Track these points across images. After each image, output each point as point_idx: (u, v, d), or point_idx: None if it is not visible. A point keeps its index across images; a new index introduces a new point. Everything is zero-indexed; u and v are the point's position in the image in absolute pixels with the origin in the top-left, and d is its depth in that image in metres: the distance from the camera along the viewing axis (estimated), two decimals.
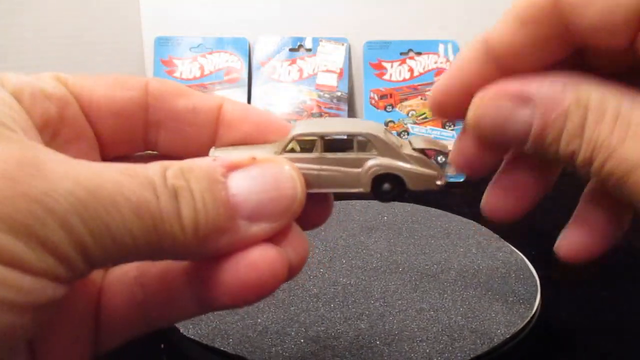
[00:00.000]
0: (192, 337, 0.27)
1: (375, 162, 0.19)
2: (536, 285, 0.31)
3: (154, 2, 0.70)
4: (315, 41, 0.70)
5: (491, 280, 0.31)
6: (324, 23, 0.70)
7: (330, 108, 0.68)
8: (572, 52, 0.17)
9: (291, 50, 0.70)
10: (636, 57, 0.15)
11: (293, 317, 0.28)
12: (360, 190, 0.19)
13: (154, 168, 0.15)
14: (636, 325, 0.33)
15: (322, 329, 0.27)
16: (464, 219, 0.41)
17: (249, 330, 0.27)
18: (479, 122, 0.17)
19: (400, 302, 0.29)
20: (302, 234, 0.18)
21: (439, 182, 0.19)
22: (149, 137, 0.20)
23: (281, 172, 0.16)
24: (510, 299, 0.29)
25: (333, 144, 0.19)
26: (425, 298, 0.30)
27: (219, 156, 0.17)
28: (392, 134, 0.20)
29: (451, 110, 0.18)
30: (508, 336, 0.26)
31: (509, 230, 0.41)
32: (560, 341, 0.31)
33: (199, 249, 0.15)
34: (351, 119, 0.24)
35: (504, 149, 0.18)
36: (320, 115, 0.68)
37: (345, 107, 0.69)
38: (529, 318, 0.27)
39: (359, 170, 0.19)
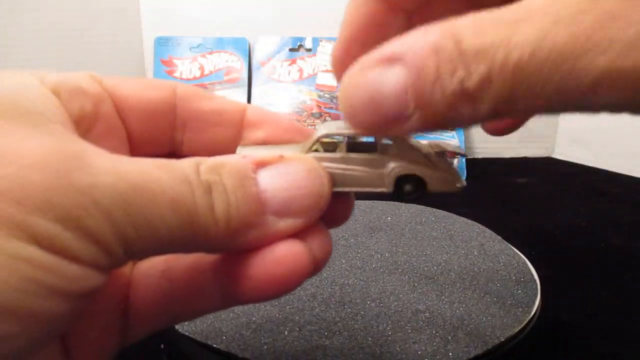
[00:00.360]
0: (186, 333, 0.27)
1: (397, 163, 0.19)
2: (536, 288, 0.30)
3: (154, 2, 0.70)
4: (315, 41, 0.70)
5: (490, 283, 0.31)
6: (324, 23, 0.70)
7: (330, 108, 0.68)
8: None
9: (291, 50, 0.70)
10: None
11: (288, 316, 0.28)
12: (384, 190, 0.19)
13: (188, 163, 0.15)
14: (636, 326, 0.33)
15: (316, 328, 0.27)
16: (469, 221, 0.41)
17: (242, 328, 0.27)
18: (353, 97, 0.15)
19: (396, 303, 0.29)
20: (326, 231, 0.18)
21: (458, 185, 0.19)
22: (175, 137, 0.20)
23: (309, 169, 0.17)
24: (509, 302, 0.29)
25: (357, 145, 0.19)
26: (422, 299, 0.30)
27: (248, 154, 0.17)
28: (412, 136, 0.20)
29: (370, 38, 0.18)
30: (502, 339, 0.26)
31: (509, 230, 0.41)
32: (560, 342, 0.31)
33: (229, 243, 0.15)
34: None
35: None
36: (321, 116, 0.68)
37: None
38: (525, 322, 0.27)
39: (382, 170, 0.19)
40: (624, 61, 0.12)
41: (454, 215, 0.42)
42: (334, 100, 0.69)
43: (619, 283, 0.39)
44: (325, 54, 0.70)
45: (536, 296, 0.29)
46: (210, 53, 0.70)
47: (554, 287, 0.38)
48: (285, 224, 0.16)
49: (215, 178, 0.15)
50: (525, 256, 0.36)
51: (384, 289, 0.31)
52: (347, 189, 0.19)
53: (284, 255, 0.16)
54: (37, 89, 0.16)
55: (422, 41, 0.14)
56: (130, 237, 0.14)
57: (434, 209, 0.43)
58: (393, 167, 0.19)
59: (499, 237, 0.38)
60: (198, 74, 0.70)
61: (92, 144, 0.15)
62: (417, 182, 0.19)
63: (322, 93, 0.69)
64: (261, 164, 0.16)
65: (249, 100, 0.69)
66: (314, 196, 0.16)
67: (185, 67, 0.70)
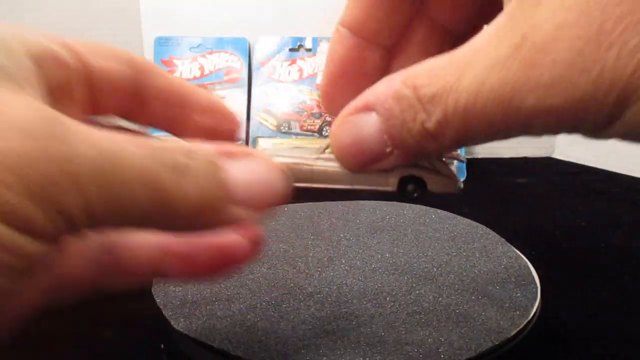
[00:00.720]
0: (181, 330, 0.27)
1: (404, 166, 0.20)
2: (536, 292, 0.30)
3: (154, 2, 0.70)
4: (315, 41, 0.70)
5: (490, 286, 0.31)
6: (324, 23, 0.70)
7: None
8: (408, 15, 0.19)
9: (291, 50, 0.70)
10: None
11: (283, 315, 0.28)
12: (388, 189, 0.21)
13: (165, 145, 0.15)
14: (637, 326, 0.33)
15: (309, 327, 0.27)
16: (473, 222, 0.41)
17: (237, 326, 0.27)
18: (339, 144, 0.18)
19: (392, 304, 0.29)
20: (261, 230, 0.20)
21: (456, 187, 0.21)
22: (134, 112, 0.21)
23: (269, 167, 0.18)
24: (507, 305, 0.29)
25: None
26: (418, 301, 0.30)
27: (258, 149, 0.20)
28: None
29: (342, 99, 0.20)
30: (496, 343, 0.26)
31: (509, 230, 0.41)
32: (560, 342, 0.31)
33: (192, 224, 0.16)
34: None
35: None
36: (321, 116, 0.68)
37: None
38: (521, 326, 0.27)
39: (388, 173, 0.20)
40: (545, 100, 0.14)
41: (458, 217, 0.42)
42: None
43: (619, 283, 0.39)
44: (325, 54, 0.70)
45: (535, 300, 0.29)
46: (210, 53, 0.70)
47: (554, 287, 0.38)
48: (241, 212, 0.17)
49: (189, 162, 0.15)
50: (525, 256, 0.36)
51: (381, 290, 0.31)
52: (358, 188, 0.21)
53: (231, 243, 0.18)
54: (19, 53, 0.16)
55: (386, 91, 0.16)
56: (99, 212, 0.14)
57: (438, 210, 0.43)
58: (400, 169, 0.20)
59: (503, 239, 0.38)
60: (198, 74, 0.70)
61: (69, 117, 0.14)
62: (419, 183, 0.21)
63: None
64: (230, 155, 0.17)
65: (249, 100, 0.69)
66: (271, 192, 0.17)
67: (185, 67, 0.70)
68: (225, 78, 0.70)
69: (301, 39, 0.70)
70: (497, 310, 0.28)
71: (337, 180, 0.21)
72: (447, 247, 0.37)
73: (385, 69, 0.21)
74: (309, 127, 0.68)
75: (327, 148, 0.21)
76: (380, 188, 0.21)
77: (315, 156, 0.22)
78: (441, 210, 0.43)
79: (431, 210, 0.43)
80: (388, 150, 0.17)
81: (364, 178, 0.21)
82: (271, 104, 0.69)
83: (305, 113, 0.68)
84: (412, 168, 0.21)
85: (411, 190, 0.21)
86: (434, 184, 0.21)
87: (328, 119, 0.68)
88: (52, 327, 0.33)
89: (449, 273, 0.33)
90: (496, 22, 0.15)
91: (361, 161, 0.18)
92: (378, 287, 0.31)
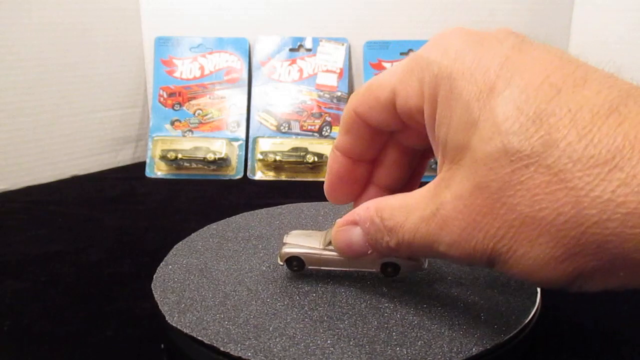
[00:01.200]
0: (175, 324, 0.28)
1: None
2: (535, 299, 0.30)
3: (154, 2, 0.70)
4: (315, 41, 0.70)
5: (489, 290, 0.31)
6: (324, 23, 0.70)
7: (330, 108, 0.68)
8: (383, 141, 0.29)
9: (291, 50, 0.70)
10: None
11: (276, 313, 0.29)
12: (374, 270, 0.31)
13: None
14: (636, 326, 0.33)
15: (300, 326, 0.27)
16: None
17: (229, 323, 0.28)
18: (338, 245, 0.28)
19: (387, 305, 0.29)
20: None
21: (425, 267, 0.31)
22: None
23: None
24: (503, 309, 0.29)
25: None
26: (413, 303, 0.30)
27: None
28: None
29: (342, 197, 0.31)
30: (489, 347, 0.26)
31: None
32: (559, 342, 0.31)
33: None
34: None
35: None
36: (321, 116, 0.68)
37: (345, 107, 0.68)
38: (514, 332, 0.27)
39: (373, 259, 0.30)
40: (448, 251, 0.22)
41: None
42: (334, 100, 0.69)
43: None
44: (325, 54, 0.70)
45: (532, 307, 0.29)
46: (210, 53, 0.70)
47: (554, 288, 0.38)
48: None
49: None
50: None
51: (376, 291, 0.31)
52: (352, 269, 0.32)
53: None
54: None
55: (365, 215, 0.26)
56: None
57: None
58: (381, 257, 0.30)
59: None
60: (198, 74, 0.70)
61: None
62: (395, 266, 0.31)
63: (322, 93, 0.69)
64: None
65: (249, 100, 0.69)
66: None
67: (185, 67, 0.70)
68: (225, 78, 0.70)
69: (301, 39, 0.70)
70: (492, 315, 0.28)
71: (339, 264, 0.31)
72: None
73: (369, 176, 0.30)
74: (309, 127, 0.68)
75: (329, 244, 0.30)
76: (368, 270, 0.31)
77: (322, 247, 0.31)
78: None
79: None
80: (369, 251, 0.27)
81: (358, 263, 0.31)
82: (271, 104, 0.69)
83: (305, 113, 0.68)
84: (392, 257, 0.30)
85: (390, 271, 0.31)
86: (405, 267, 0.31)
87: (328, 119, 0.68)
88: (52, 327, 0.33)
89: (447, 276, 0.33)
90: (427, 187, 0.23)
91: (352, 255, 0.28)
92: (375, 288, 0.31)
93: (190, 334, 0.27)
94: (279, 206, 0.45)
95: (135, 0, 0.69)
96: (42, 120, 0.62)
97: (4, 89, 0.58)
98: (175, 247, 0.37)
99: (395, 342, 0.26)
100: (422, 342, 0.26)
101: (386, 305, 0.29)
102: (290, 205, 0.46)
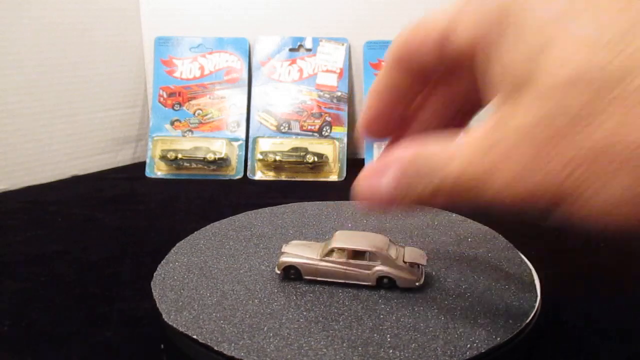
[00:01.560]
0: (171, 323, 0.28)
1: (378, 268, 0.31)
2: (534, 302, 0.30)
3: (154, 2, 0.70)
4: (315, 41, 0.70)
5: (488, 292, 0.31)
6: (324, 23, 0.70)
7: (330, 108, 0.68)
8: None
9: (291, 50, 0.70)
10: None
11: (272, 313, 0.29)
12: (369, 284, 0.31)
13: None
14: (636, 326, 0.33)
15: (295, 326, 0.27)
16: (483, 227, 0.41)
17: (225, 322, 0.28)
18: (361, 189, 0.24)
19: (383, 306, 0.29)
20: None
21: (417, 284, 0.31)
22: None
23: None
24: (501, 312, 0.29)
25: (356, 253, 0.31)
26: (410, 304, 0.30)
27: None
28: (395, 244, 0.33)
29: (378, 130, 0.27)
30: (497, 343, 0.26)
31: (509, 230, 0.41)
32: (559, 342, 0.31)
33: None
34: (371, 235, 0.33)
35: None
36: (321, 116, 0.68)
37: (345, 107, 0.69)
38: (509, 337, 0.27)
39: (369, 272, 0.31)
40: (504, 192, 0.19)
41: (470, 220, 0.42)
42: (334, 100, 0.69)
43: (619, 283, 0.39)
44: (325, 54, 0.70)
45: (530, 310, 0.29)
46: (210, 53, 0.70)
47: (554, 287, 0.38)
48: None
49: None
50: (525, 256, 0.36)
51: (374, 292, 0.31)
52: (348, 281, 0.31)
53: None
54: None
55: (401, 154, 0.22)
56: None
57: (451, 214, 0.43)
58: (375, 270, 0.31)
59: (511, 245, 0.38)
60: (198, 74, 0.70)
61: None
62: (390, 279, 0.31)
63: (322, 93, 0.69)
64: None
65: (249, 100, 0.69)
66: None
67: (185, 67, 0.70)
68: (225, 78, 0.70)
69: (301, 39, 0.70)
70: (489, 318, 0.28)
71: (334, 275, 0.31)
72: (450, 251, 0.36)
73: (408, 122, 0.28)
74: (309, 127, 0.68)
75: (326, 254, 0.31)
76: (364, 283, 0.31)
77: (319, 257, 0.32)
78: (454, 214, 0.43)
79: (444, 213, 0.43)
80: (397, 201, 0.22)
81: (353, 275, 0.31)
82: (271, 104, 0.69)
83: (305, 113, 0.68)
84: (385, 269, 0.31)
85: (385, 284, 0.31)
86: (400, 282, 0.31)
87: (328, 119, 0.68)
88: (52, 327, 0.33)
89: (447, 278, 0.33)
90: (477, 129, 0.20)
91: (375, 204, 0.23)
92: (372, 289, 0.31)
93: (186, 332, 0.27)
94: (282, 205, 0.46)
95: (135, 0, 0.69)
96: (42, 120, 0.62)
97: (4, 89, 0.58)
98: (177, 245, 0.37)
99: (389, 345, 0.26)
100: (416, 344, 0.26)
101: (382, 306, 0.29)
102: (294, 204, 0.46)
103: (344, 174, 0.65)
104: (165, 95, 0.69)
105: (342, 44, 0.70)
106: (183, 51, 0.70)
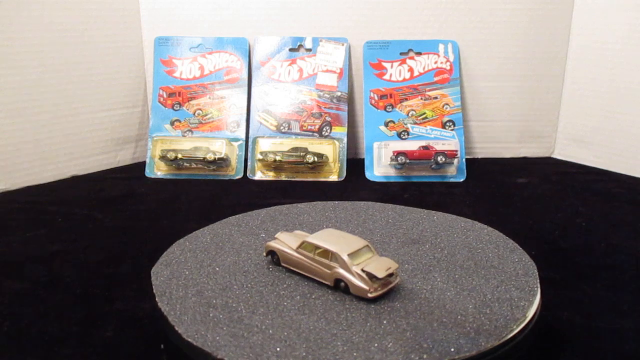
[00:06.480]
0: (172, 323, 0.28)
1: (337, 270, 0.31)
2: (534, 302, 0.30)
3: (154, 2, 0.70)
4: (315, 41, 0.70)
5: (488, 292, 0.31)
6: (324, 23, 0.70)
7: (330, 108, 0.68)
8: None
9: (291, 50, 0.70)
10: None
11: (268, 313, 0.29)
12: (328, 283, 0.31)
13: None
14: (636, 326, 0.33)
15: (292, 329, 0.27)
16: (489, 228, 0.40)
17: (225, 322, 0.28)
18: None
19: (380, 307, 0.29)
20: None
21: (369, 295, 0.30)
22: None
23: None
24: (499, 313, 0.29)
25: (323, 251, 0.32)
26: (407, 305, 0.30)
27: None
28: (372, 251, 0.32)
29: None
30: (497, 343, 0.26)
31: (509, 230, 0.41)
32: (560, 342, 0.31)
33: None
34: (352, 238, 0.33)
35: None
36: (321, 116, 0.68)
37: (345, 107, 0.69)
38: (509, 336, 0.27)
39: (329, 271, 0.31)
40: None
41: (478, 223, 0.41)
42: (334, 100, 0.69)
43: (619, 283, 0.39)
44: (325, 54, 0.70)
45: (528, 313, 0.29)
46: (210, 53, 0.70)
47: (554, 287, 0.38)
48: None
49: None
50: (525, 256, 0.36)
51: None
52: (309, 275, 0.32)
53: None
54: None
55: None
56: None
57: (459, 217, 0.42)
58: (334, 272, 0.31)
59: (517, 245, 0.37)
60: (198, 74, 0.70)
61: None
62: (346, 284, 0.31)
63: (322, 93, 0.69)
64: None
65: (249, 100, 0.69)
66: None
67: (185, 67, 0.70)
68: (225, 78, 0.70)
69: (301, 39, 0.70)
70: (486, 319, 0.28)
71: (303, 268, 0.33)
72: (456, 253, 0.36)
73: None
74: (309, 127, 0.68)
75: (299, 246, 0.33)
76: (324, 281, 0.32)
77: (295, 248, 0.33)
78: (466, 219, 0.42)
79: (450, 217, 0.42)
80: None
81: (317, 272, 0.32)
82: (271, 104, 0.69)
83: (305, 113, 0.68)
84: (343, 274, 0.31)
85: (342, 287, 0.31)
86: (353, 289, 0.30)
87: (328, 119, 0.68)
88: (52, 327, 0.33)
89: (449, 277, 0.33)
90: None
91: None
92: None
93: (186, 333, 0.27)
94: (284, 205, 0.45)
95: (135, 0, 0.69)
96: (42, 120, 0.62)
97: (4, 89, 0.58)
98: (176, 243, 0.37)
99: (386, 346, 0.26)
100: (425, 341, 0.26)
101: (380, 307, 0.29)
102: (297, 204, 0.46)
103: (344, 174, 0.65)
104: (165, 95, 0.69)
105: (342, 44, 0.70)
106: (183, 51, 0.70)
